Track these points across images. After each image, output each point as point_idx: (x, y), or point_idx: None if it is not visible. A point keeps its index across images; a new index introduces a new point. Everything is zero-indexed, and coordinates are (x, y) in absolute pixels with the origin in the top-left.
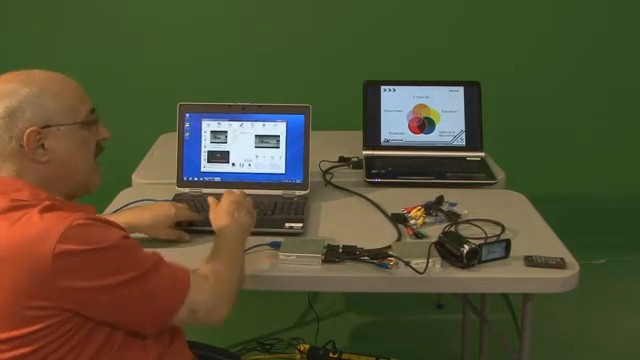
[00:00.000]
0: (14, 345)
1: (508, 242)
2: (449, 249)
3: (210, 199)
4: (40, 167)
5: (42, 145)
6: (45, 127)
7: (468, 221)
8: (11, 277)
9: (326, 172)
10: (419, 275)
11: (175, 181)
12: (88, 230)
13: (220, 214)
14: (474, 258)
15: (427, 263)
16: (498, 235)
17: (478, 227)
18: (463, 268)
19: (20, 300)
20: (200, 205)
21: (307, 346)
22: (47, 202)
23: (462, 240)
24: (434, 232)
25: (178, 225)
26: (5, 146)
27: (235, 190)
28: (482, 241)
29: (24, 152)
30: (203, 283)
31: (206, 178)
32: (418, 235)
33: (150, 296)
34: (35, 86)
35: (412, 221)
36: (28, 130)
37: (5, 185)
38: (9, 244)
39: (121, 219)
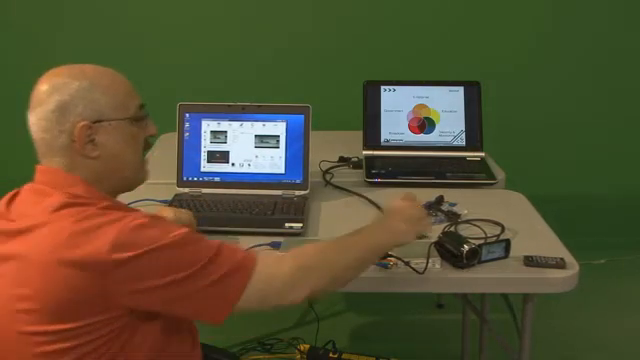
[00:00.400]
0: (59, 338)
1: (508, 242)
2: (449, 249)
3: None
4: (90, 162)
5: (92, 140)
6: (96, 122)
7: (468, 221)
8: (70, 277)
9: (326, 172)
10: (419, 275)
11: (175, 181)
12: (145, 231)
13: (389, 211)
14: (474, 258)
15: (427, 263)
16: (498, 235)
17: (478, 227)
18: (463, 268)
19: (77, 299)
20: (200, 205)
21: (307, 346)
22: (105, 202)
23: (462, 240)
24: (434, 232)
25: None
26: (55, 140)
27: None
28: (482, 241)
29: (74, 147)
30: (275, 266)
31: (206, 178)
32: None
33: (216, 286)
34: (86, 80)
35: None
36: (80, 125)
37: (59, 178)
38: (65, 245)
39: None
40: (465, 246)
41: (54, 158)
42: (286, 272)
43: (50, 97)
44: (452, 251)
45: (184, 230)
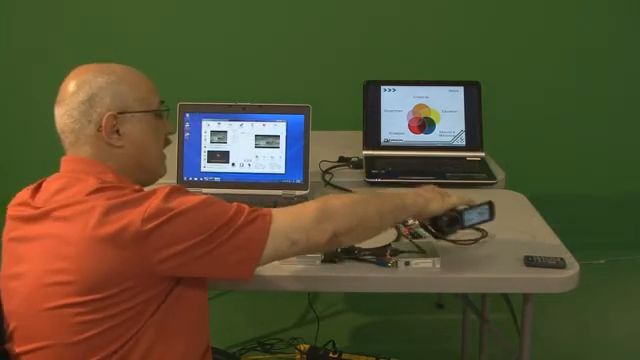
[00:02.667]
0: (93, 309)
1: (491, 204)
2: (430, 223)
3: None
4: (115, 151)
5: (117, 131)
6: (121, 113)
7: None
8: (107, 251)
9: (326, 172)
10: (419, 275)
11: (175, 181)
12: (172, 199)
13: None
14: (454, 225)
15: (427, 263)
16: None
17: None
18: (446, 235)
19: (114, 272)
20: None
21: (307, 346)
22: (136, 187)
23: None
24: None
25: None
26: (84, 129)
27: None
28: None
29: (101, 136)
30: (298, 208)
31: (206, 178)
32: (415, 235)
33: (237, 235)
34: (114, 75)
35: (410, 221)
36: (107, 114)
37: (90, 165)
38: (100, 222)
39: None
40: (444, 216)
41: (83, 147)
42: (309, 211)
43: (80, 89)
44: (433, 224)
45: (202, 196)
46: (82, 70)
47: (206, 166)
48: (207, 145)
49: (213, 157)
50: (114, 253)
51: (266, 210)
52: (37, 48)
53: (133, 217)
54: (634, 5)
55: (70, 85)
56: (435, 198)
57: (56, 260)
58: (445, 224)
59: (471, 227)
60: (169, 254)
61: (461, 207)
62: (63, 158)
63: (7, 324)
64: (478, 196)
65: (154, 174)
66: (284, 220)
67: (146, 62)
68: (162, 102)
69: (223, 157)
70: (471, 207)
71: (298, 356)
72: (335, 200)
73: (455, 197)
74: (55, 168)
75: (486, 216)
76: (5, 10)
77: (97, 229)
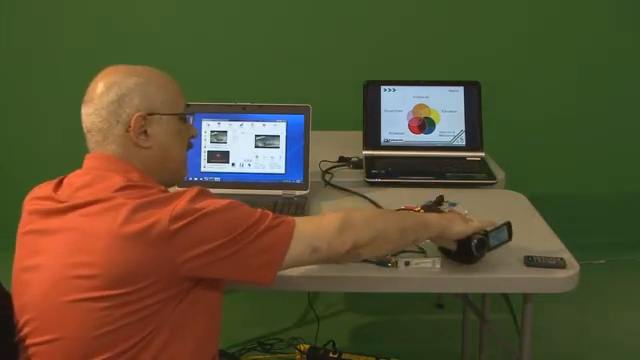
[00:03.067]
0: (116, 304)
1: (509, 225)
2: (457, 248)
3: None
4: (142, 152)
5: (145, 131)
6: (150, 114)
7: None
8: (133, 248)
9: (326, 172)
10: (419, 275)
11: None
12: (199, 200)
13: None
14: (483, 249)
15: (427, 263)
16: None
17: None
18: (472, 262)
19: (139, 269)
20: None
21: (307, 346)
22: (162, 187)
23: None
24: None
25: None
26: (112, 129)
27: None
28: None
29: (128, 136)
30: (327, 215)
31: (206, 178)
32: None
33: (261, 239)
34: (143, 77)
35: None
36: (136, 115)
37: (116, 164)
38: (128, 219)
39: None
40: (473, 238)
41: (110, 145)
42: (332, 221)
43: (110, 90)
44: (460, 246)
45: (228, 200)
46: (111, 71)
47: (206, 166)
48: (207, 145)
49: (213, 157)
50: (140, 250)
51: (289, 217)
52: (37, 48)
53: (160, 216)
54: (635, 5)
55: (99, 85)
56: (458, 220)
57: (80, 253)
58: (475, 248)
59: (494, 249)
60: (194, 254)
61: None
62: (88, 155)
63: (19, 316)
64: (478, 196)
65: (177, 175)
66: (307, 228)
67: (146, 62)
68: (187, 105)
69: (223, 157)
70: (493, 229)
71: (298, 356)
72: (357, 212)
73: (477, 222)
74: (56, 167)
75: (505, 237)
76: (5, 10)
77: (124, 226)
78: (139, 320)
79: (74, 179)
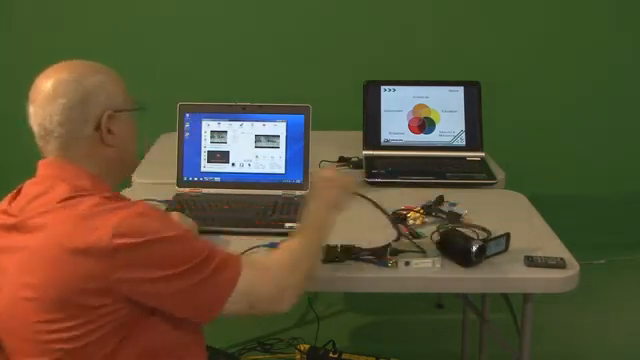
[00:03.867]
0: (61, 327)
1: (508, 236)
2: (456, 248)
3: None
4: (108, 151)
5: (110, 130)
6: (116, 111)
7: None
8: (68, 265)
9: None
10: (419, 275)
11: (175, 181)
12: (144, 221)
13: (322, 202)
14: (482, 255)
15: (427, 263)
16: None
17: (471, 229)
18: (470, 266)
19: (81, 286)
20: (200, 205)
21: (307, 346)
22: (108, 193)
23: (468, 238)
24: (428, 232)
25: None
26: (82, 130)
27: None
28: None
29: (97, 136)
30: (261, 275)
31: (206, 178)
32: (415, 235)
33: (204, 284)
34: (103, 74)
35: (411, 221)
36: (106, 114)
37: (65, 170)
38: (67, 232)
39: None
40: (474, 244)
41: (72, 149)
42: (269, 288)
43: (70, 88)
44: (460, 250)
45: (183, 227)
46: (65, 68)
47: (206, 166)
48: (207, 145)
49: (213, 157)
50: (81, 266)
51: (236, 259)
52: (37, 48)
53: (102, 232)
54: (635, 5)
55: (55, 84)
56: (337, 195)
57: (26, 274)
58: (475, 254)
59: (490, 257)
60: (135, 277)
61: (482, 238)
62: (42, 161)
63: None
64: (478, 196)
65: (131, 170)
66: (247, 281)
67: (146, 62)
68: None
69: (223, 157)
70: (493, 238)
71: (298, 356)
72: (287, 273)
73: (345, 178)
74: None
75: (503, 247)
76: (5, 10)
77: (66, 242)
78: (95, 341)
79: (29, 188)
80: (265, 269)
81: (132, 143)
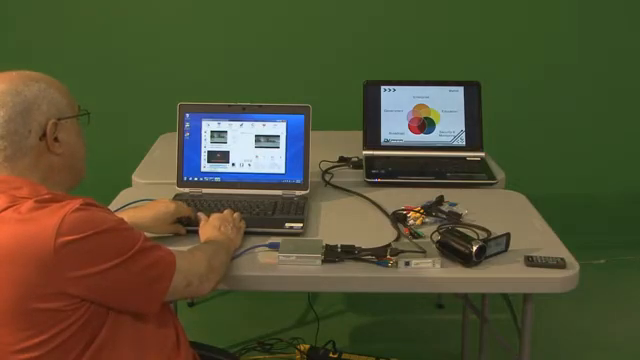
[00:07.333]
0: (22, 337)
1: (508, 236)
2: (457, 248)
3: (200, 214)
4: (56, 159)
5: (55, 138)
6: (60, 119)
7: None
8: (15, 275)
9: (326, 172)
10: (419, 275)
11: (175, 181)
12: (85, 215)
13: (207, 228)
14: (482, 255)
15: (427, 263)
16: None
17: (471, 229)
18: (470, 266)
19: (27, 296)
20: (200, 205)
21: (307, 346)
22: (45, 195)
23: (468, 238)
24: (428, 232)
25: (178, 221)
26: (25, 140)
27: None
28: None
29: (42, 145)
30: (193, 254)
31: (206, 178)
32: (415, 235)
33: (148, 269)
34: (41, 82)
35: (411, 222)
36: (50, 122)
37: (8, 183)
38: (9, 242)
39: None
40: (474, 244)
41: (24, 158)
42: (200, 260)
43: (10, 100)
44: (460, 250)
45: (117, 217)
46: (2, 80)
47: (206, 166)
48: (207, 145)
49: (213, 157)
50: (29, 273)
51: (170, 254)
52: (37, 48)
53: (43, 233)
54: (635, 5)
55: None
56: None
57: None
58: (475, 254)
59: (490, 257)
60: (82, 274)
61: (482, 238)
62: None
63: None
64: (478, 196)
65: (81, 175)
66: (183, 262)
67: (146, 62)
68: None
69: (223, 157)
70: (493, 238)
71: (298, 356)
72: (209, 256)
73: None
74: None
75: (502, 247)
76: (5, 10)
77: (7, 251)
78: (61, 344)
79: None
80: (190, 252)
81: (80, 149)
